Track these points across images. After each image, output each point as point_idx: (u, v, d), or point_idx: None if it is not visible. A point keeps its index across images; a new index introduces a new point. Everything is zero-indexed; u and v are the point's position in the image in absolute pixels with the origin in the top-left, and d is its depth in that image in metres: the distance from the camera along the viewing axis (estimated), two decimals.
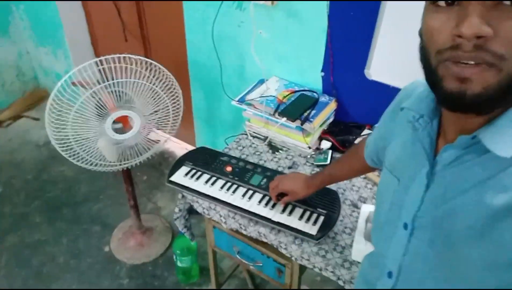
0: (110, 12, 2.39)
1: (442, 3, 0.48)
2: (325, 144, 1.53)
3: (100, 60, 1.49)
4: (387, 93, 1.43)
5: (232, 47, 1.77)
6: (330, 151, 1.48)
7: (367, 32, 1.37)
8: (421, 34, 0.53)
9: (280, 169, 1.47)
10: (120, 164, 1.67)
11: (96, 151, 1.61)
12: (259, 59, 1.72)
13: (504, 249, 0.51)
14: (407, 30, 1.28)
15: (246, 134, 1.63)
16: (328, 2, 1.40)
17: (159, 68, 1.57)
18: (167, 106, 1.60)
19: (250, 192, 1.32)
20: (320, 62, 1.55)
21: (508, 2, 0.44)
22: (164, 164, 2.60)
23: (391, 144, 0.76)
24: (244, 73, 1.82)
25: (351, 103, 1.57)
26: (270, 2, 1.50)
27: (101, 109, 1.56)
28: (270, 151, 1.55)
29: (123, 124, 1.61)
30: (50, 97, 1.44)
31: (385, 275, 0.69)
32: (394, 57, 1.36)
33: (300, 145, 1.53)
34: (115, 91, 1.55)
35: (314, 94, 1.58)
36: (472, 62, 0.46)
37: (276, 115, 1.50)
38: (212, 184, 1.35)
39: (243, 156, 1.52)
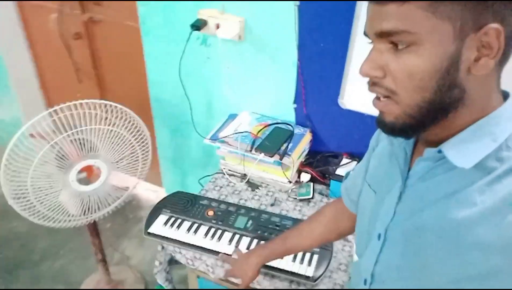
0: (60, 53, 2.26)
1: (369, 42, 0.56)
2: (305, 177, 1.49)
3: (55, 110, 1.37)
4: (362, 121, 1.43)
5: (199, 83, 1.72)
6: (311, 184, 1.45)
7: (339, 62, 1.38)
8: None
9: (262, 207, 1.41)
10: (87, 218, 1.54)
11: (58, 206, 1.48)
12: (228, 94, 1.68)
13: (467, 263, 0.53)
14: None
15: (222, 173, 1.56)
16: (297, 35, 1.40)
17: (122, 110, 1.47)
18: (135, 150, 1.50)
19: (237, 236, 1.24)
20: (292, 94, 1.54)
21: (391, 47, 0.51)
22: (129, 209, 2.44)
23: (371, 161, 0.77)
24: (212, 109, 1.77)
25: (326, 133, 1.56)
26: (237, 37, 1.47)
27: (62, 160, 1.43)
28: (250, 189, 1.49)
29: (87, 174, 1.49)
30: (5, 154, 1.29)
31: (362, 282, 0.71)
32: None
33: (279, 180, 1.48)
34: (77, 139, 1.43)
35: (289, 126, 1.55)
36: (374, 94, 0.55)
37: (253, 151, 1.45)
38: (195, 231, 1.26)
39: (222, 197, 1.45)
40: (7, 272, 2.06)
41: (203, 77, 1.70)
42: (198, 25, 1.47)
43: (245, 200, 1.44)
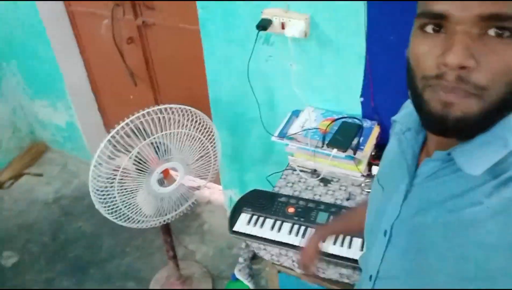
0: (111, 58, 2.33)
1: (430, 30, 0.49)
2: (376, 170, 1.50)
3: (138, 117, 1.42)
4: None
5: (260, 81, 1.74)
6: None
7: None
8: (408, 56, 0.54)
9: (338, 202, 1.43)
10: (163, 218, 1.60)
11: (137, 207, 1.54)
12: (291, 91, 1.70)
13: (470, 263, 0.52)
14: None
15: (291, 169, 1.59)
16: (366, 28, 1.40)
17: (192, 111, 1.51)
18: (208, 152, 1.55)
19: None
20: (359, 88, 1.54)
21: (493, 33, 0.45)
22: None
23: (383, 156, 0.78)
24: (274, 106, 1.79)
25: None
26: (303, 34, 1.48)
27: (141, 163, 1.48)
28: (322, 184, 1.52)
29: (163, 175, 1.54)
30: (93, 162, 1.35)
31: (367, 277, 0.72)
32: None
33: (351, 174, 1.50)
34: (153, 143, 1.48)
35: (356, 120, 1.56)
36: (455, 91, 0.47)
37: (325, 147, 1.47)
38: (279, 229, 1.30)
39: (295, 193, 1.48)
40: (80, 270, 2.16)
41: (264, 76, 1.71)
42: (265, 25, 1.49)
43: (320, 196, 1.46)
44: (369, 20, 1.38)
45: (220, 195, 2.44)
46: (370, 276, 0.71)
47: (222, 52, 1.75)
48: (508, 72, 0.46)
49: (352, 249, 1.20)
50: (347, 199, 1.44)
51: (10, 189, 2.77)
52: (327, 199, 1.44)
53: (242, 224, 1.32)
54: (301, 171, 1.56)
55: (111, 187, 1.40)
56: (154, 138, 1.42)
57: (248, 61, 1.65)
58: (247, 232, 1.30)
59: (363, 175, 1.48)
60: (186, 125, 1.49)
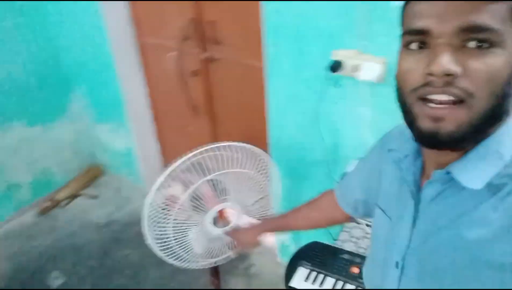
0: (174, 89, 2.35)
1: (414, 47, 0.51)
2: None
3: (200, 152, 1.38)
4: None
5: (325, 124, 1.65)
6: None
7: None
8: (396, 77, 0.55)
9: None
10: (214, 260, 1.52)
11: (189, 245, 1.47)
12: (359, 137, 1.60)
13: (483, 284, 0.51)
14: None
15: (354, 221, 1.46)
16: None
17: (257, 152, 1.45)
18: (267, 195, 1.47)
19: None
20: None
21: (473, 46, 0.47)
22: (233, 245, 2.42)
23: (382, 185, 0.75)
24: (338, 151, 1.69)
25: None
26: (377, 79, 1.39)
27: (196, 201, 1.43)
28: None
29: (219, 216, 1.48)
30: (150, 195, 1.31)
31: None
32: None
33: None
34: (211, 180, 1.43)
35: None
36: (444, 97, 0.48)
37: None
38: None
39: (360, 250, 1.34)
40: None
41: (331, 119, 1.63)
42: (336, 67, 1.42)
43: None
44: None
45: (271, 236, 2.33)
46: None
47: (288, 91, 1.70)
48: (492, 81, 0.47)
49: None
50: None
51: (66, 208, 2.84)
52: None
53: (300, 280, 1.21)
54: (367, 225, 1.44)
55: (165, 220, 1.35)
56: (214, 176, 1.36)
57: (317, 102, 1.59)
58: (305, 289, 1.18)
59: None
60: (247, 165, 1.43)
